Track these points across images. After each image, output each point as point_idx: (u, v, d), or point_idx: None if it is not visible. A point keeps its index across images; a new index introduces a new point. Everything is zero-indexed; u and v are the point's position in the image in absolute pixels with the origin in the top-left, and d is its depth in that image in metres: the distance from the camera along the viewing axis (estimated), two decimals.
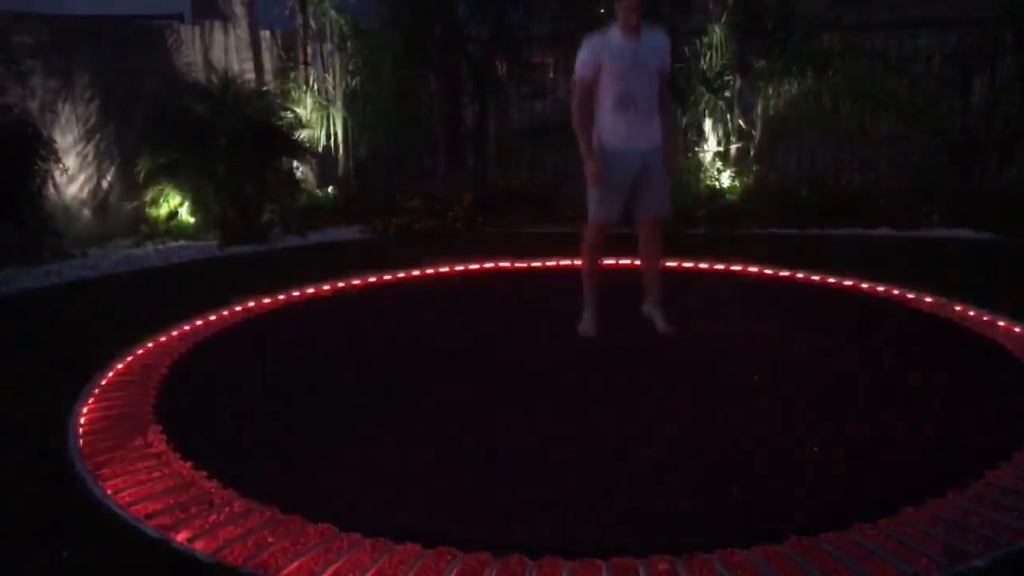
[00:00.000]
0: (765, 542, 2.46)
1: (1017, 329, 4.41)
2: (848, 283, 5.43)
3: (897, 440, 3.20)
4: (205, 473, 3.03)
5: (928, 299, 5.03)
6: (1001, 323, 4.53)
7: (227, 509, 2.77)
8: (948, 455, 3.05)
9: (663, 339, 4.36)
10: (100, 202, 7.55)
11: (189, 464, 3.11)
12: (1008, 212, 6.95)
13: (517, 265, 6.17)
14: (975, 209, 7.17)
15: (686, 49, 7.81)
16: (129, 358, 4.33)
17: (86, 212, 7.44)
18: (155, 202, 7.66)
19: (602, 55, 4.15)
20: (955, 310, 4.80)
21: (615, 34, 4.19)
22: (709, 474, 2.96)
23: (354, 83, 8.73)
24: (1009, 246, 6.59)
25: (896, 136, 8.08)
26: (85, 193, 7.43)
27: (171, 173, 7.48)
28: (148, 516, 2.74)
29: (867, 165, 8.26)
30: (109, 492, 2.91)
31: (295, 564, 2.44)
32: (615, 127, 4.23)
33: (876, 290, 5.28)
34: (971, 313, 4.73)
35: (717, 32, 7.80)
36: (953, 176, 7.74)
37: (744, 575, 2.33)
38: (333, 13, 8.65)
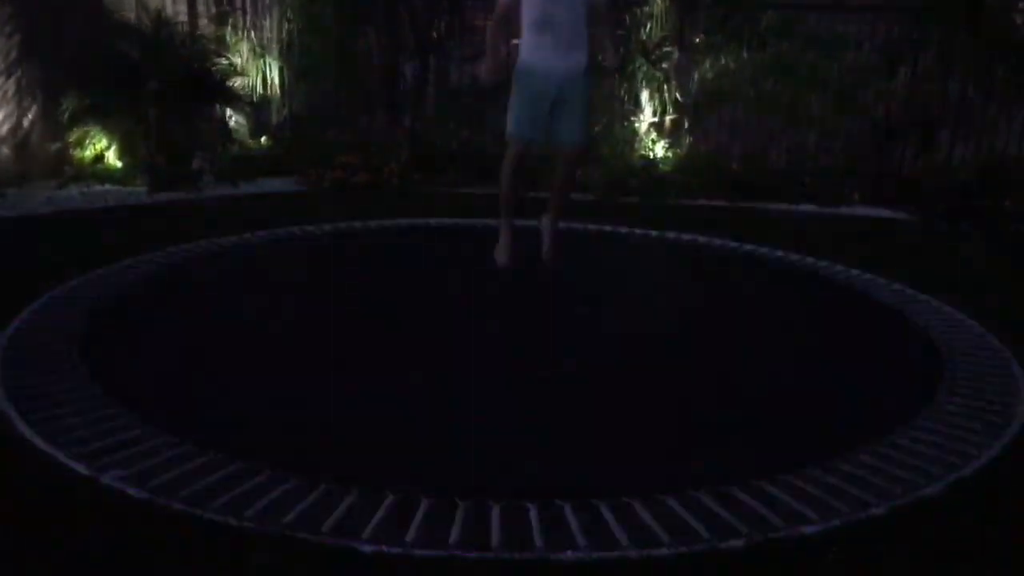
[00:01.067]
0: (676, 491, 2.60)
1: (920, 296, 4.70)
2: (763, 250, 5.67)
3: (799, 401, 3.38)
4: (138, 414, 3.02)
5: (832, 266, 5.29)
6: (908, 290, 4.81)
7: (163, 452, 2.78)
8: (850, 416, 3.25)
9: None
10: (21, 141, 7.27)
11: (116, 401, 3.10)
12: (920, 193, 7.33)
13: (445, 222, 6.21)
14: (893, 190, 7.53)
15: (627, 17, 7.90)
16: (53, 295, 4.25)
17: (5, 150, 7.16)
18: (81, 144, 7.41)
19: None
20: (860, 277, 5.07)
21: None
22: (616, 427, 3.10)
23: (291, 32, 8.57)
24: (918, 224, 6.95)
25: (823, 117, 8.35)
26: (4, 131, 7.15)
27: (98, 115, 7.25)
28: (80, 457, 2.73)
29: (795, 143, 8.53)
30: (36, 431, 2.88)
31: (226, 498, 2.48)
32: (533, 48, 4.35)
33: (788, 258, 5.53)
34: (876, 280, 5.00)
35: (658, 3, 7.90)
36: (875, 158, 8.07)
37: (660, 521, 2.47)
38: None
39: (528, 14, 4.30)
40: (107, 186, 7.18)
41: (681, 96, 8.08)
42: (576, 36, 4.32)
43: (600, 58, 4.67)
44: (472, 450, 2.85)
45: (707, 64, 8.01)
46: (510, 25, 4.42)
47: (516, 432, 3.02)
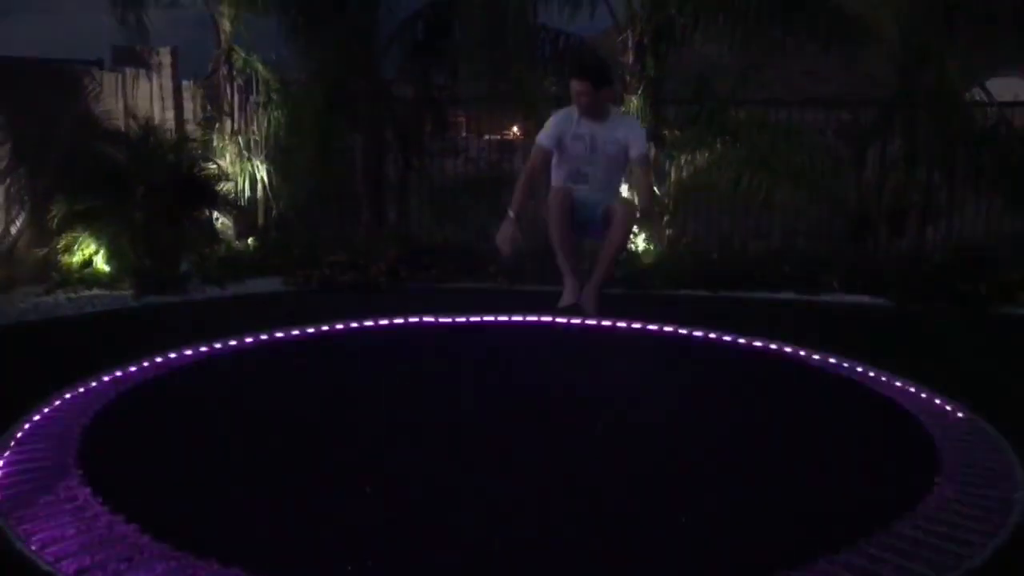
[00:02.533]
0: None
1: (911, 388, 4.75)
2: (753, 343, 5.73)
3: (798, 496, 3.39)
4: (134, 525, 2.98)
5: (824, 358, 5.35)
6: (896, 382, 4.87)
7: (160, 563, 2.74)
8: (854, 508, 3.27)
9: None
10: (8, 247, 7.31)
11: (114, 515, 3.05)
12: (895, 281, 7.51)
13: (441, 320, 6.25)
14: (869, 277, 7.71)
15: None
16: (45, 409, 4.20)
17: None
18: (69, 249, 7.46)
19: (564, 133, 4.22)
20: (849, 368, 5.14)
21: (576, 114, 4.27)
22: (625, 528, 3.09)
23: (277, 134, 8.77)
24: (897, 311, 7.10)
25: (796, 207, 8.59)
26: None
27: (87, 220, 7.32)
28: (79, 572, 2.68)
29: (769, 232, 8.77)
30: (34, 547, 2.83)
31: None
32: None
33: (779, 350, 5.59)
34: (864, 371, 5.07)
35: (634, 102, 8.20)
36: (849, 245, 8.30)
37: None
38: (260, 67, 8.71)
39: (565, 164, 4.30)
40: (95, 291, 7.19)
41: (658, 190, 8.30)
42: (610, 184, 4.39)
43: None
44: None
45: (682, 160, 8.27)
46: (539, 181, 4.40)
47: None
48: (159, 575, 2.66)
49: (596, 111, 4.17)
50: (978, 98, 8.43)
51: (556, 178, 4.30)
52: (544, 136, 4.24)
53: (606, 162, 4.25)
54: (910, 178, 8.23)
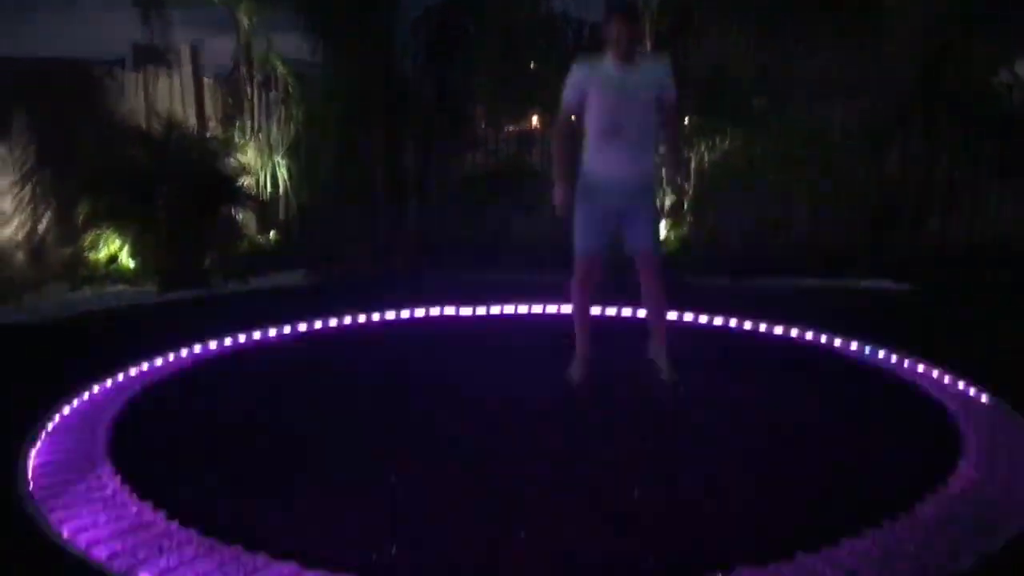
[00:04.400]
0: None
1: (935, 372, 4.72)
2: (777, 331, 5.71)
3: (828, 476, 3.40)
4: (163, 512, 3.04)
5: (848, 343, 5.33)
6: (920, 367, 4.84)
7: (188, 548, 2.79)
8: (878, 490, 3.26)
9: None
10: (36, 246, 7.42)
11: (145, 504, 3.11)
12: (919, 268, 7.46)
13: (463, 311, 6.28)
14: (893, 264, 7.65)
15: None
16: (75, 402, 4.28)
17: (20, 256, 7.31)
18: (94, 246, 7.56)
19: (589, 83, 3.97)
20: (873, 353, 5.11)
21: (607, 60, 3.99)
22: (653, 514, 3.10)
23: (298, 131, 8.83)
24: (921, 297, 7.04)
25: (818, 196, 8.51)
26: (20, 236, 7.31)
27: (112, 217, 7.42)
28: (110, 557, 2.74)
29: (791, 222, 8.69)
30: (66, 535, 2.89)
31: None
32: (600, 155, 4.06)
33: (803, 337, 5.57)
34: (888, 356, 5.03)
35: None
36: (873, 234, 8.22)
37: None
38: (279, 63, 8.76)
39: (596, 120, 4.00)
40: (120, 287, 7.29)
41: (680, 179, 8.26)
42: (646, 140, 4.05)
43: (664, 172, 4.37)
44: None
45: (702, 146, 8.22)
46: (575, 135, 4.08)
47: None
48: (188, 560, 2.71)
49: (633, 52, 3.97)
50: (1006, 80, 8.29)
51: (591, 139, 4.06)
52: (570, 93, 4.00)
53: (642, 111, 3.91)
54: (934, 166, 8.13)
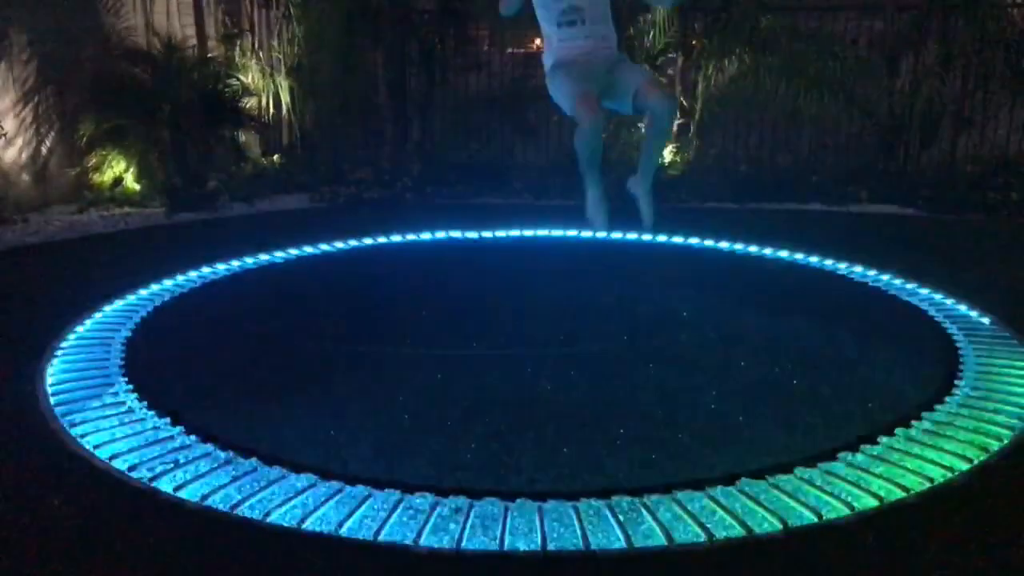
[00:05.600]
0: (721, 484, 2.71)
1: (938, 295, 4.77)
2: (780, 254, 5.73)
3: (829, 393, 3.48)
4: (181, 426, 3.12)
5: (852, 267, 5.36)
6: (923, 290, 4.88)
7: (204, 461, 2.88)
8: (879, 406, 3.34)
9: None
10: (40, 167, 7.40)
11: (163, 417, 3.20)
12: (926, 190, 7.43)
13: (467, 234, 6.30)
14: (900, 187, 7.62)
15: (631, 27, 8.00)
16: (88, 322, 4.34)
17: (25, 177, 7.29)
18: (99, 168, 7.53)
19: None
20: (877, 276, 5.15)
21: None
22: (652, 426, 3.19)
23: (299, 52, 8.69)
24: (928, 220, 7.04)
25: (826, 118, 8.42)
26: (24, 158, 7.27)
27: (115, 139, 7.37)
28: (131, 468, 2.83)
29: (798, 145, 8.62)
30: (89, 448, 2.98)
31: (282, 509, 2.58)
32: (564, 44, 3.82)
33: (804, 260, 5.60)
34: (892, 280, 5.07)
35: (660, 11, 7.99)
36: (880, 156, 8.16)
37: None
38: None
39: (548, 11, 3.75)
40: (126, 209, 7.29)
41: (685, 102, 8.17)
42: (606, 25, 3.78)
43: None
44: None
45: (710, 69, 8.10)
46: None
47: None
48: (204, 474, 2.80)
49: None
50: None
51: (549, 32, 3.85)
52: None
53: None
54: (943, 85, 8.01)
